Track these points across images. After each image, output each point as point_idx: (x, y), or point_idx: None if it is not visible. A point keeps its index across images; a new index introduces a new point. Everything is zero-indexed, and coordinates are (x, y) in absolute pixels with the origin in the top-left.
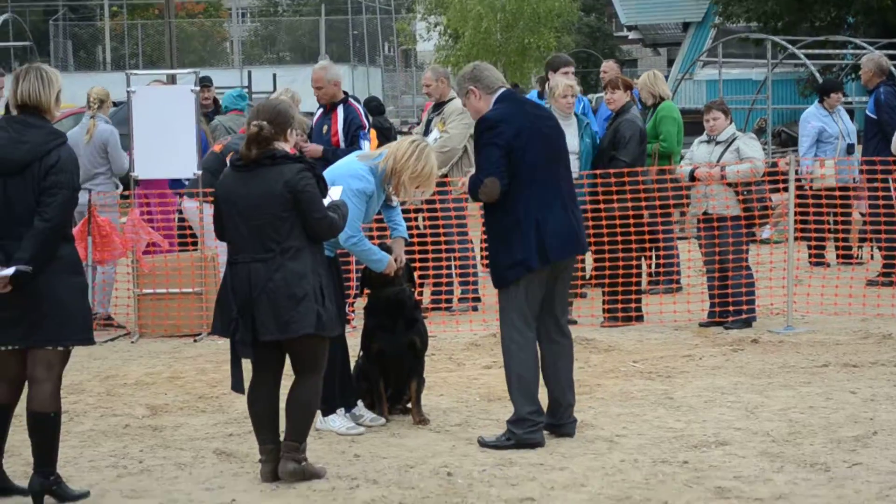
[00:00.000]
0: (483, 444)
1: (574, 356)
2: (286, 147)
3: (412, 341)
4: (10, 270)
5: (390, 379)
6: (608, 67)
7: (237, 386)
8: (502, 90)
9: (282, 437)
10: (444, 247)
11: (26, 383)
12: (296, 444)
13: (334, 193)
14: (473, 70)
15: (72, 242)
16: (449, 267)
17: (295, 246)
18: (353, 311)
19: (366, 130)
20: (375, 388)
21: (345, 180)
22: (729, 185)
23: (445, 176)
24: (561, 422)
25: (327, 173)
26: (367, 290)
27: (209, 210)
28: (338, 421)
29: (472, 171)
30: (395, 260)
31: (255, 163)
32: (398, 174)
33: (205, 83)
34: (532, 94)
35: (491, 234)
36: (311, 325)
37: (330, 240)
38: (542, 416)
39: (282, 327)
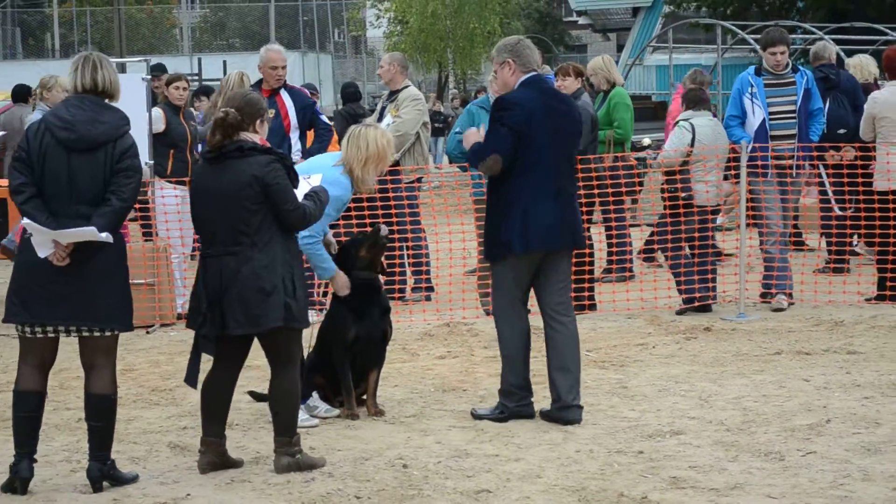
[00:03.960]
0: (476, 416)
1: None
2: (256, 138)
3: (385, 330)
4: (104, 235)
5: (353, 369)
6: None
7: (191, 380)
8: (533, 74)
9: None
10: (396, 235)
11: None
12: (287, 438)
13: (314, 181)
14: (518, 44)
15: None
16: (402, 256)
17: (265, 238)
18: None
19: (318, 105)
20: (344, 380)
21: (328, 188)
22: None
23: (397, 163)
24: (566, 405)
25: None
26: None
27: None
28: None
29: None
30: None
31: (224, 155)
32: (351, 171)
33: (156, 72)
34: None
35: (487, 209)
36: (280, 318)
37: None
38: (528, 392)
39: (252, 321)
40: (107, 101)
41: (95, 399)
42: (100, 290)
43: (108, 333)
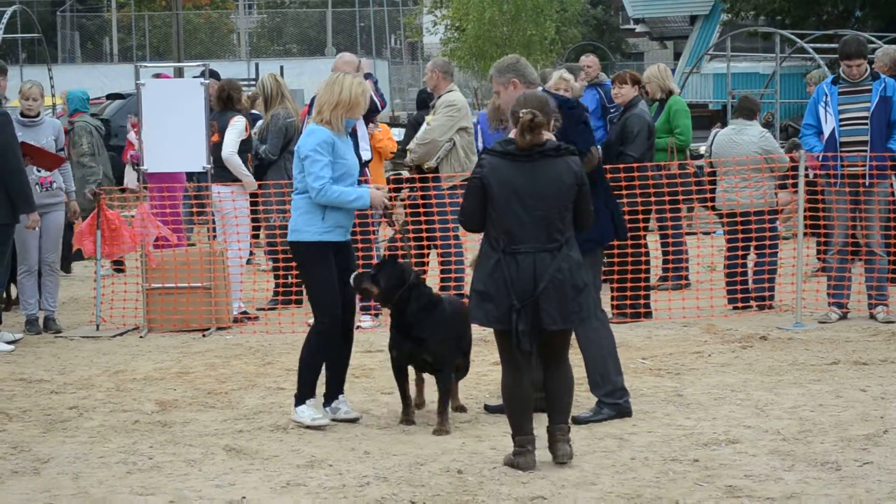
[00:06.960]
0: (580, 421)
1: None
2: (551, 137)
3: (423, 359)
4: None
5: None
6: (591, 62)
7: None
8: (540, 88)
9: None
10: (438, 242)
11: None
12: (568, 426)
13: None
14: (518, 63)
15: None
16: (459, 262)
17: (571, 236)
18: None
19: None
20: (400, 387)
21: (303, 142)
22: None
23: (436, 170)
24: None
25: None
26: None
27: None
28: (305, 412)
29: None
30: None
31: (539, 153)
32: (321, 113)
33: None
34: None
35: None
36: (592, 314)
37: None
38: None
39: (566, 317)
40: None
41: None
42: None
43: None
